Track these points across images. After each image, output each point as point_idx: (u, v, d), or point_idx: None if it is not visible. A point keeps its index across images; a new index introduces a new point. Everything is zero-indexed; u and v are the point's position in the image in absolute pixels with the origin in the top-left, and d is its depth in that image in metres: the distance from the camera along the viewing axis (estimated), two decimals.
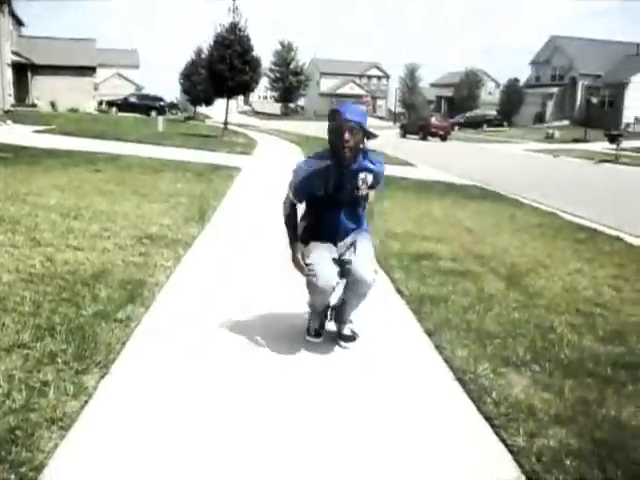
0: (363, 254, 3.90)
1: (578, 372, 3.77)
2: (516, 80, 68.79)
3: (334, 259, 3.88)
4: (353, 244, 3.96)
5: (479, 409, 3.27)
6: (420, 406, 3.31)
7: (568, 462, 2.75)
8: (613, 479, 2.66)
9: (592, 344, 4.30)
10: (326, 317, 4.25)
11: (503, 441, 2.96)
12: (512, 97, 66.21)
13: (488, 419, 3.16)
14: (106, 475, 2.47)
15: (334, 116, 3.70)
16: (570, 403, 3.35)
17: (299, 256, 3.97)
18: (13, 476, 2.31)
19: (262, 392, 3.33)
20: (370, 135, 3.80)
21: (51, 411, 2.81)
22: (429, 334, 4.32)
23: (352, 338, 4.15)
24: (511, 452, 2.86)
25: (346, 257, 3.93)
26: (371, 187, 3.94)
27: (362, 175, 3.85)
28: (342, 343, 4.10)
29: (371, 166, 3.88)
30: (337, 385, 3.49)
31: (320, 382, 3.52)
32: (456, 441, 2.98)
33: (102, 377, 3.28)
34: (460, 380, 3.61)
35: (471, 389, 3.48)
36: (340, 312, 4.18)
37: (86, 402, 3.00)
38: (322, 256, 3.84)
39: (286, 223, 4.06)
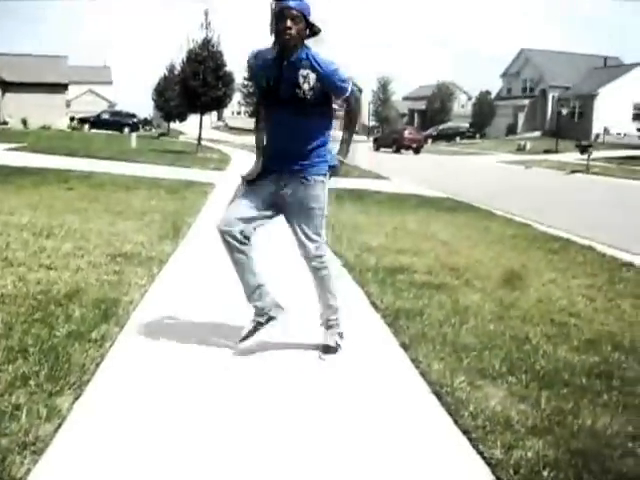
0: (306, 217, 3.92)
1: (554, 382, 3.79)
2: (487, 92, 69.68)
3: (257, 210, 3.90)
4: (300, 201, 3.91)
5: (456, 422, 3.27)
6: (396, 420, 3.30)
7: (545, 473, 2.76)
8: None
9: (567, 354, 4.33)
10: (260, 316, 4.06)
11: (481, 454, 2.96)
12: (484, 109, 67.01)
13: (465, 432, 3.16)
14: None
15: (278, 4, 3.62)
16: (546, 414, 3.36)
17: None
18: None
19: (238, 410, 3.30)
20: (313, 27, 3.73)
21: (23, 435, 2.75)
22: (405, 348, 4.32)
23: (333, 350, 4.08)
24: (489, 465, 2.86)
25: (291, 218, 3.98)
26: (323, 95, 3.81)
27: (303, 72, 3.70)
28: (320, 354, 4.05)
29: (317, 63, 3.72)
30: (310, 400, 3.47)
31: (292, 397, 3.49)
32: (433, 455, 2.97)
33: (76, 399, 3.23)
34: (436, 393, 3.60)
35: (448, 402, 3.48)
36: (324, 304, 4.19)
37: (60, 425, 2.94)
38: (238, 203, 3.93)
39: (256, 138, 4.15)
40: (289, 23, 3.58)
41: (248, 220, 3.88)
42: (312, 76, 3.71)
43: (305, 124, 3.83)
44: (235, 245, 3.87)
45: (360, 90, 3.92)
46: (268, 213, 3.97)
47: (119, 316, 4.50)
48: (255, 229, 3.94)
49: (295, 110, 3.77)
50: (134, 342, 4.13)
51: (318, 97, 3.77)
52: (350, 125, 4.08)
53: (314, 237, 3.96)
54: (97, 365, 3.68)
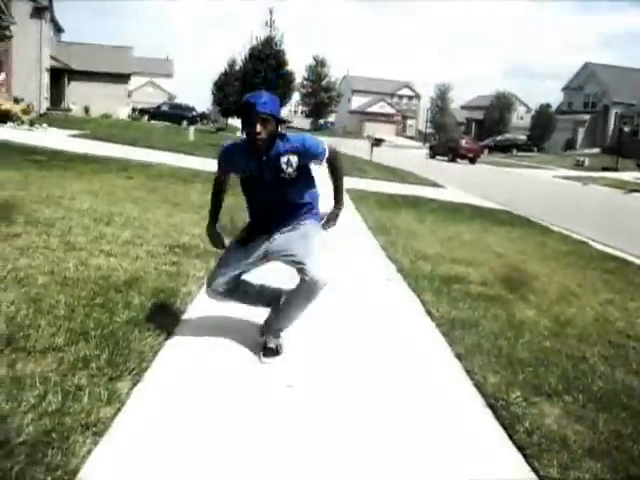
0: (307, 247, 3.80)
1: (612, 405, 3.72)
2: (548, 105, 68.45)
3: (242, 270, 3.98)
4: (292, 234, 3.91)
5: (511, 437, 3.24)
6: (451, 431, 3.28)
7: None
8: None
9: (625, 377, 4.24)
10: None
11: (535, 471, 2.92)
12: (543, 122, 65.87)
13: (520, 448, 3.12)
14: None
15: (246, 108, 3.63)
16: (604, 437, 3.30)
17: (213, 233, 4.15)
18: (49, 478, 2.32)
19: (297, 407, 3.32)
20: (284, 122, 3.79)
21: (85, 416, 2.82)
22: (460, 358, 4.29)
23: (275, 352, 3.96)
24: None
25: (283, 249, 3.86)
26: (304, 167, 3.87)
27: (284, 159, 3.75)
28: (263, 358, 3.91)
29: (294, 146, 3.77)
30: (366, 407, 3.46)
31: (348, 405, 3.49)
32: (487, 469, 2.94)
33: (135, 385, 3.29)
34: (491, 407, 3.57)
35: (503, 416, 3.44)
36: (274, 318, 4.04)
37: (119, 409, 3.01)
38: (227, 263, 3.96)
39: (211, 198, 4.20)
40: (259, 128, 3.60)
41: (236, 277, 4.01)
42: (293, 158, 3.79)
43: (292, 193, 3.92)
44: (226, 297, 4.05)
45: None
46: (259, 263, 4.03)
47: (177, 307, 4.56)
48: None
49: (280, 187, 3.85)
50: (191, 333, 4.18)
51: (300, 170, 3.88)
52: (338, 177, 4.20)
53: (308, 256, 3.75)
54: (155, 353, 3.74)
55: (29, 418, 2.72)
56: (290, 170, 3.78)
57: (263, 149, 3.70)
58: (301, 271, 3.69)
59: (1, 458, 2.41)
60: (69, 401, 2.93)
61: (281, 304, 4.02)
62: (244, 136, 3.76)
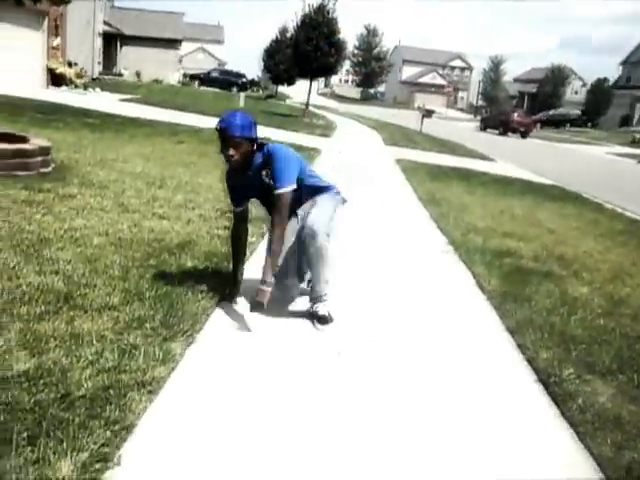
0: (314, 211, 3.92)
1: None
2: (605, 80, 66.63)
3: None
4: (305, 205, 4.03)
5: (563, 414, 3.20)
6: (501, 405, 3.25)
7: None
8: None
9: None
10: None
11: (588, 448, 2.88)
12: (599, 97, 64.22)
13: (573, 425, 3.08)
14: (192, 442, 2.51)
15: (219, 132, 3.73)
16: None
17: (229, 291, 4.15)
18: (108, 432, 2.37)
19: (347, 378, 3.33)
20: (256, 141, 3.84)
21: (141, 374, 2.87)
22: (511, 332, 4.24)
23: (327, 319, 3.98)
24: (597, 462, 2.78)
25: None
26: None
27: (264, 172, 3.87)
28: (317, 325, 3.95)
29: (267, 160, 3.85)
30: (414, 379, 3.45)
31: (398, 376, 3.49)
32: (538, 445, 2.91)
33: (188, 346, 3.33)
34: (543, 382, 3.53)
35: (555, 392, 3.40)
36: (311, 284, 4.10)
37: (173, 369, 3.05)
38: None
39: (231, 237, 4.31)
40: (232, 152, 3.73)
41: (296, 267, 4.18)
42: (270, 171, 3.86)
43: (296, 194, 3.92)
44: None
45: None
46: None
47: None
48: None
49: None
50: (243, 297, 4.20)
51: None
52: (274, 223, 3.86)
53: (312, 216, 3.88)
54: (208, 315, 3.78)
55: (87, 374, 2.78)
56: (272, 182, 3.84)
57: (242, 166, 3.86)
58: (301, 228, 3.89)
59: (63, 410, 2.47)
60: (125, 359, 2.98)
61: (310, 272, 4.06)
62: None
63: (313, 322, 3.98)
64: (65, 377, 2.72)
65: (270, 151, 3.87)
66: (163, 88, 38.97)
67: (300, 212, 4.01)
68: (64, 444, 2.25)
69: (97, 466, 2.20)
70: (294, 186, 3.84)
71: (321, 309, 4.00)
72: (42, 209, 5.49)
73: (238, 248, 4.26)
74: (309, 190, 4.04)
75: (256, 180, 3.90)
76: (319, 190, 4.08)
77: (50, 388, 2.61)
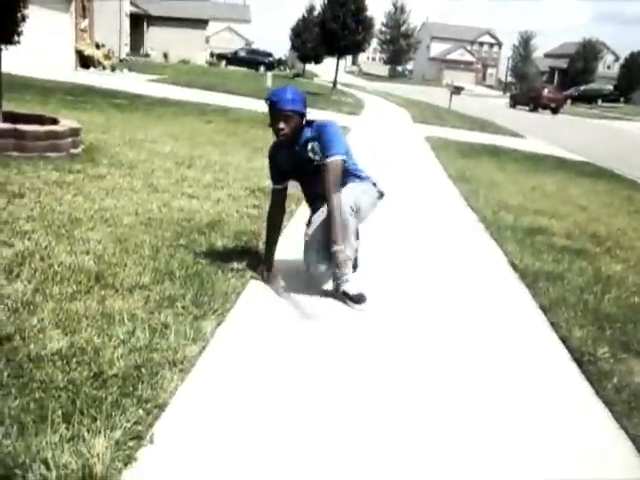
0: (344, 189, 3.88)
1: None
2: (639, 54, 65.28)
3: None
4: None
5: (597, 393, 3.15)
6: (536, 384, 3.21)
7: None
8: None
9: None
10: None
11: (624, 428, 2.83)
12: (632, 72, 62.97)
13: (608, 404, 3.03)
14: (224, 419, 2.51)
15: (270, 105, 3.77)
16: None
17: (265, 273, 4.10)
18: (141, 411, 2.37)
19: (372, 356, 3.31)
20: (305, 116, 3.85)
21: (172, 353, 2.87)
22: (544, 310, 4.19)
23: (363, 298, 3.90)
24: (634, 442, 2.73)
25: None
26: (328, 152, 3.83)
27: (309, 147, 3.87)
28: (351, 304, 3.89)
29: (316, 133, 3.86)
30: (449, 356, 3.42)
31: (430, 352, 3.46)
32: (573, 424, 2.87)
33: (219, 325, 3.33)
34: (577, 361, 3.48)
35: (589, 371, 3.35)
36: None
37: (204, 348, 3.05)
38: (309, 242, 4.02)
39: (268, 216, 4.31)
40: (282, 125, 3.77)
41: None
42: (316, 145, 3.87)
43: None
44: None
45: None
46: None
47: (259, 249, 4.59)
48: None
49: (318, 173, 3.87)
50: (276, 276, 4.19)
51: None
52: (329, 197, 3.80)
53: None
54: (238, 294, 3.78)
55: (119, 352, 2.79)
56: (317, 157, 3.86)
57: (290, 140, 3.86)
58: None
59: (96, 388, 2.48)
60: (156, 338, 2.99)
61: None
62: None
63: (346, 302, 3.93)
64: (98, 356, 2.73)
65: (319, 125, 3.90)
66: (190, 68, 38.99)
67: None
68: (98, 422, 2.26)
69: (130, 444, 2.21)
70: (344, 157, 3.84)
71: (350, 289, 3.94)
72: (72, 190, 5.53)
73: (274, 228, 4.24)
74: (348, 176, 3.98)
75: (302, 156, 3.90)
76: (357, 178, 4.04)
77: (83, 367, 2.63)
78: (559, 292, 4.49)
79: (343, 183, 3.92)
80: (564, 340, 3.73)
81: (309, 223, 4.12)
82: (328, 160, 3.79)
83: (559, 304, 4.25)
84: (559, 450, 2.63)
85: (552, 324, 3.97)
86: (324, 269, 4.00)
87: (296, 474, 2.25)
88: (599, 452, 2.67)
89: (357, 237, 4.16)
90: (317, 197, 4.04)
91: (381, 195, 4.15)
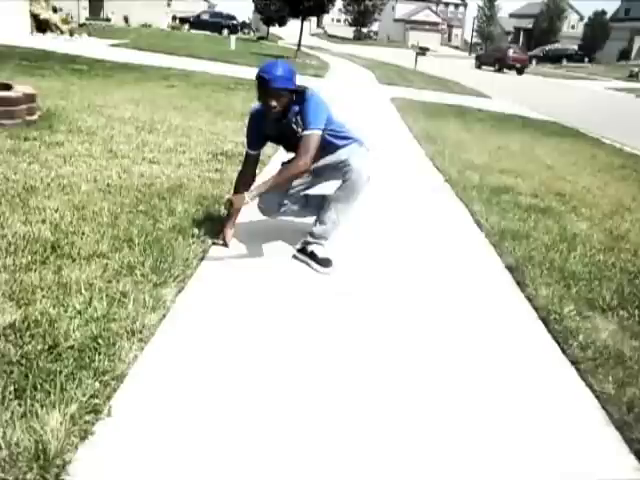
0: (349, 151, 3.87)
1: None
2: (602, 13, 65.45)
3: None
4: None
5: (564, 351, 3.14)
6: (502, 343, 3.19)
7: None
8: None
9: None
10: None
11: (590, 386, 2.83)
12: (597, 31, 63.20)
13: (574, 363, 3.03)
14: (183, 388, 2.44)
15: (260, 82, 3.62)
16: None
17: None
18: (97, 384, 2.29)
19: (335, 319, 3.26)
20: (298, 91, 3.75)
21: (131, 322, 2.78)
22: (510, 270, 4.17)
23: (327, 262, 3.85)
24: (598, 398, 2.73)
25: (325, 162, 3.93)
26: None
27: (293, 119, 3.78)
28: (319, 267, 3.83)
29: (300, 107, 3.76)
30: (417, 317, 3.39)
31: (394, 314, 3.42)
32: (539, 382, 2.86)
33: (179, 291, 3.25)
34: (543, 320, 3.46)
35: (555, 330, 3.34)
36: (319, 225, 3.94)
37: (164, 316, 2.97)
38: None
39: (237, 177, 4.22)
40: (274, 103, 3.65)
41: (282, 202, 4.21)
42: (299, 119, 3.77)
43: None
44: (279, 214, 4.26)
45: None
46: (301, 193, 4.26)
47: (221, 213, 4.49)
48: None
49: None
50: (236, 239, 4.11)
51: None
52: (290, 167, 3.74)
53: (351, 156, 3.83)
54: (200, 260, 3.70)
55: (75, 323, 2.69)
56: (299, 129, 3.76)
57: (279, 116, 3.75)
58: (344, 167, 3.77)
59: (51, 361, 2.39)
60: (114, 307, 2.90)
61: (326, 209, 3.93)
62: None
63: (309, 264, 3.88)
64: (53, 328, 2.64)
65: (304, 99, 3.76)
66: (152, 32, 38.22)
67: (337, 157, 3.89)
68: (52, 396, 2.18)
69: (87, 418, 2.13)
70: (320, 132, 3.73)
71: (319, 251, 3.90)
72: (28, 157, 5.35)
73: (240, 190, 4.09)
74: (337, 138, 3.94)
75: (289, 128, 3.81)
76: (345, 140, 3.98)
77: (37, 340, 2.53)
78: (525, 251, 4.47)
79: (335, 146, 3.91)
80: (530, 299, 3.72)
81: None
82: (304, 132, 3.70)
83: (525, 263, 4.24)
84: (524, 408, 2.61)
85: (518, 283, 3.96)
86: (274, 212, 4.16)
87: (256, 448, 2.19)
88: (564, 410, 2.66)
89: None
90: None
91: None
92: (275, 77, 3.59)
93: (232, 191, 4.20)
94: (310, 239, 3.94)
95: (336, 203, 3.86)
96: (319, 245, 3.92)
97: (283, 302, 3.36)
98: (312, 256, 3.89)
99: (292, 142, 3.81)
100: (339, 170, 3.81)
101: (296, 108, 3.77)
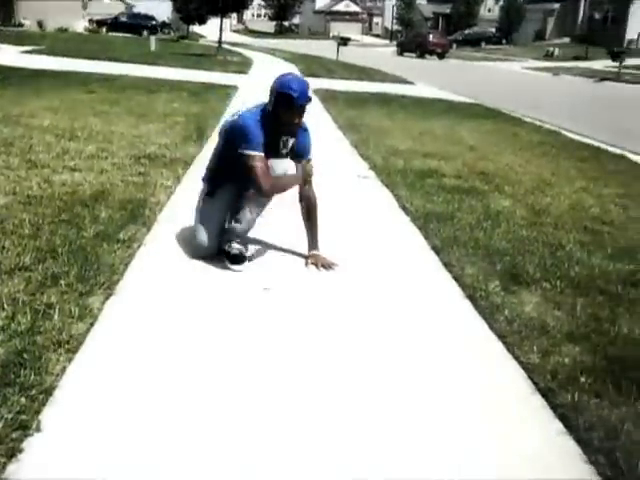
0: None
1: (589, 290, 3.73)
2: None
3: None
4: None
5: (491, 327, 3.23)
6: (431, 323, 3.26)
7: (583, 379, 2.71)
8: (629, 395, 2.62)
9: (601, 262, 4.24)
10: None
11: (517, 358, 2.92)
12: (512, 14, 64.59)
13: (501, 337, 3.12)
14: (115, 397, 2.42)
15: (300, 101, 3.62)
16: (582, 321, 3.30)
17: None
18: (24, 399, 2.25)
19: (265, 317, 3.27)
20: None
21: (57, 334, 2.74)
22: (436, 251, 4.26)
23: (242, 258, 3.82)
24: (525, 369, 2.82)
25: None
26: (297, 154, 3.87)
27: (284, 139, 3.81)
28: (231, 265, 3.79)
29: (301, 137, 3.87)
30: (343, 305, 3.43)
31: (324, 304, 3.45)
32: (468, 358, 2.94)
33: (107, 299, 3.21)
34: (470, 297, 3.55)
35: (482, 306, 3.43)
36: (234, 223, 3.85)
37: (92, 324, 2.93)
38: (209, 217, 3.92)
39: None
40: (298, 120, 3.72)
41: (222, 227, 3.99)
42: (290, 141, 3.83)
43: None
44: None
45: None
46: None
47: (146, 217, 4.45)
48: None
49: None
50: (162, 243, 4.08)
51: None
52: (313, 205, 4.05)
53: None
54: (126, 266, 3.65)
55: None
56: (284, 151, 3.83)
57: (291, 134, 3.80)
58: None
59: None
60: (39, 320, 2.84)
61: (241, 208, 3.84)
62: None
63: (225, 262, 3.82)
64: None
65: (305, 128, 3.86)
66: (69, 37, 37.31)
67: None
68: None
69: (14, 435, 2.08)
70: None
71: (233, 248, 3.81)
72: None
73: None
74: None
75: (283, 146, 3.82)
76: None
77: None
78: (450, 232, 4.57)
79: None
80: (457, 279, 3.81)
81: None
82: (310, 161, 3.89)
83: (450, 244, 4.33)
84: (456, 385, 2.68)
85: (445, 264, 4.04)
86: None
87: (187, 455, 2.19)
88: (494, 383, 2.74)
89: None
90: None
91: None
92: (305, 94, 3.65)
93: None
94: (225, 237, 3.88)
95: (249, 202, 3.80)
96: (233, 242, 3.84)
97: (208, 302, 3.36)
98: (226, 254, 3.84)
99: (274, 156, 3.77)
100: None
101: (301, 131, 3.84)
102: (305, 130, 3.88)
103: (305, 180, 3.90)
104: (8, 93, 10.59)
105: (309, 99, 3.70)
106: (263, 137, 3.68)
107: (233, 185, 3.83)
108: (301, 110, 3.68)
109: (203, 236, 3.88)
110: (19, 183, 5.04)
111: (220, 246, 3.87)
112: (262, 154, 3.67)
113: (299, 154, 3.87)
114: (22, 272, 3.37)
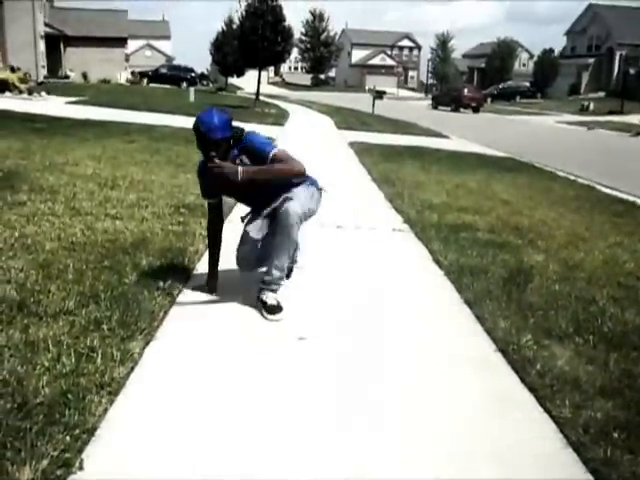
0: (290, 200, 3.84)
1: (622, 345, 3.73)
2: (551, 51, 67.55)
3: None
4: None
5: (523, 380, 3.25)
6: (463, 376, 3.30)
7: (616, 435, 2.72)
8: None
9: (635, 317, 4.24)
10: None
11: (548, 412, 2.94)
12: (546, 68, 65.13)
13: (532, 390, 3.14)
14: (156, 439, 2.50)
15: (197, 135, 3.75)
16: (615, 376, 3.31)
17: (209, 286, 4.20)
18: (68, 438, 2.34)
19: (298, 361, 3.34)
20: (234, 136, 3.85)
21: (100, 376, 2.84)
22: (469, 305, 4.30)
23: (277, 308, 3.91)
24: (557, 423, 2.84)
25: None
26: (259, 160, 3.85)
27: (237, 161, 3.86)
28: (267, 315, 3.88)
29: (244, 147, 3.88)
30: (376, 357, 3.48)
31: (358, 355, 3.51)
32: (500, 411, 2.96)
33: (147, 344, 3.31)
34: (502, 351, 3.58)
35: (514, 360, 3.46)
36: (266, 270, 4.01)
37: (132, 368, 3.03)
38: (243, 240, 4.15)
39: (207, 232, 4.38)
40: (213, 153, 3.75)
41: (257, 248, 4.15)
42: (244, 157, 3.87)
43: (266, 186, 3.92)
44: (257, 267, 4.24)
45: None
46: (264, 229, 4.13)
47: (185, 265, 4.57)
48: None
49: (254, 184, 3.84)
50: (201, 290, 4.19)
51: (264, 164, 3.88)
52: (277, 170, 3.85)
53: (289, 202, 3.83)
54: (165, 313, 3.76)
55: (44, 380, 2.74)
56: (243, 166, 3.80)
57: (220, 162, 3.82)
58: (279, 209, 3.82)
59: (20, 419, 2.43)
60: (83, 362, 2.95)
61: (269, 257, 3.98)
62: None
63: (261, 312, 3.93)
64: (21, 386, 2.68)
65: (245, 141, 3.88)
66: (111, 88, 38.43)
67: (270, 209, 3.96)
68: (22, 453, 2.22)
69: (58, 472, 2.18)
70: (280, 148, 3.89)
71: (269, 298, 3.94)
72: None
73: (215, 239, 4.28)
74: (282, 185, 3.93)
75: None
76: (292, 184, 3.95)
77: (6, 399, 2.57)
78: (483, 285, 4.61)
79: (286, 188, 3.91)
80: (489, 332, 3.84)
81: (248, 219, 4.18)
82: (271, 153, 3.82)
83: (483, 297, 4.37)
84: (488, 438, 2.71)
85: (477, 317, 4.08)
86: (251, 268, 4.19)
87: None
88: (525, 436, 2.76)
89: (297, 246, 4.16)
90: (255, 207, 4.17)
91: (320, 190, 4.20)
92: (212, 128, 3.69)
93: (207, 241, 4.40)
94: (261, 286, 4.01)
95: (274, 250, 3.91)
96: (269, 292, 3.96)
97: (247, 350, 3.44)
98: (263, 303, 3.95)
99: (238, 187, 3.83)
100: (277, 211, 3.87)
101: (235, 151, 3.87)
102: (245, 138, 3.88)
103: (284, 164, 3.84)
104: (54, 142, 10.94)
105: (221, 135, 3.72)
106: (205, 180, 4.03)
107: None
108: (212, 144, 3.72)
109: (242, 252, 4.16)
110: (64, 230, 5.22)
111: (258, 296, 3.99)
112: (212, 200, 4.19)
113: (260, 158, 3.84)
114: (66, 316, 3.49)
